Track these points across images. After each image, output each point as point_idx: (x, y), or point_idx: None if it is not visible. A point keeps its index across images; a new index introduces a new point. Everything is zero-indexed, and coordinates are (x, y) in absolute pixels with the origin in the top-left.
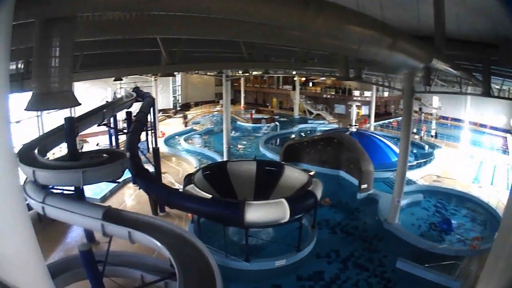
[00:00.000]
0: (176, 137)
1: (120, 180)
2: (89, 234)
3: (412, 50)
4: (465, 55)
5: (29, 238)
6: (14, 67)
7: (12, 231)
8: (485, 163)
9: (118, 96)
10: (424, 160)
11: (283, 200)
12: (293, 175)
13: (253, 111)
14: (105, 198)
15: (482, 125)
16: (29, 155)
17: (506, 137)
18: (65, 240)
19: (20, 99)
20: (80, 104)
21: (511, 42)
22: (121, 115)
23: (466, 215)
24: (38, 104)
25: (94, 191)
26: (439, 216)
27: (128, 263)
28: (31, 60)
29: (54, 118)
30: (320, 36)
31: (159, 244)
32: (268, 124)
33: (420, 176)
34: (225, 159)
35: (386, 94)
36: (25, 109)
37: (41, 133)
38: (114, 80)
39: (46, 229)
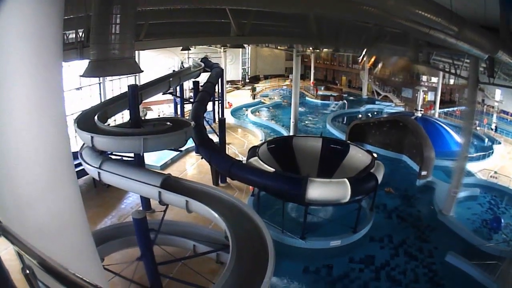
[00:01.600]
0: (244, 108)
1: (182, 148)
2: (145, 202)
3: (477, 40)
4: None
5: (75, 204)
6: (74, 35)
7: (59, 197)
8: None
9: (186, 65)
10: (484, 153)
11: (346, 180)
12: (357, 155)
13: (321, 87)
14: (165, 165)
15: None
16: (87, 121)
17: None
18: (119, 206)
19: (81, 67)
20: (142, 71)
21: None
22: (188, 84)
23: None
24: (95, 71)
25: (154, 158)
26: (491, 213)
27: (182, 232)
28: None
29: (119, 86)
30: (392, 15)
31: (216, 214)
32: (336, 102)
33: (478, 169)
34: (291, 133)
35: (451, 81)
36: (81, 76)
37: (102, 100)
38: (182, 50)
39: (100, 195)
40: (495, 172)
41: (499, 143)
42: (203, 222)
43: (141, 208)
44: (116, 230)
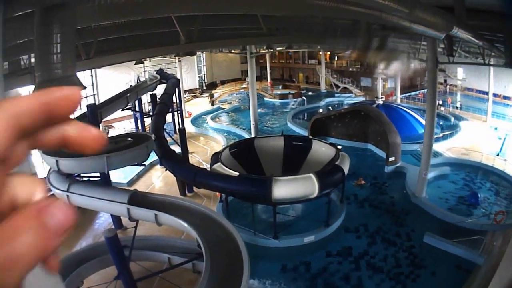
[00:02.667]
0: (203, 116)
1: (146, 163)
2: (116, 220)
3: (430, 19)
4: (486, 25)
5: None
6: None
7: None
8: (510, 136)
9: (142, 79)
10: (450, 132)
11: (312, 175)
12: (321, 149)
13: (278, 87)
14: (132, 181)
15: (505, 97)
16: None
17: None
18: (93, 227)
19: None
20: (85, 87)
21: None
22: (146, 98)
23: (490, 189)
24: None
25: (121, 175)
26: (467, 189)
27: (155, 246)
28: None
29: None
30: (342, 3)
31: (185, 225)
32: (295, 99)
33: (446, 148)
34: (253, 135)
35: (411, 66)
36: None
37: None
38: (136, 64)
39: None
40: (465, 149)
41: (466, 120)
42: (175, 234)
43: (113, 227)
44: (92, 251)
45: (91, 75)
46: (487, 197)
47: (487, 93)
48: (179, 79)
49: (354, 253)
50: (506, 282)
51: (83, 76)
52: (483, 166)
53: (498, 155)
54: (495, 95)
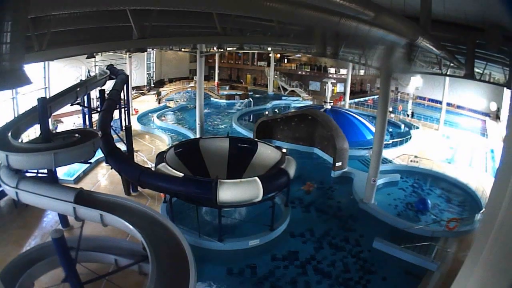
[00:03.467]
0: (150, 114)
1: (92, 160)
2: (63, 219)
3: (395, 25)
4: (449, 37)
5: None
6: None
7: None
8: (463, 145)
9: (92, 74)
10: (401, 139)
11: (257, 178)
12: (266, 152)
13: (226, 87)
14: (78, 179)
15: (459, 107)
16: (1, 139)
17: (485, 120)
18: (41, 225)
19: None
20: (31, 82)
21: (499, 27)
22: (95, 93)
23: (441, 196)
24: None
25: (67, 172)
26: (416, 196)
27: (102, 247)
28: None
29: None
30: (300, 6)
31: (131, 227)
32: (241, 101)
33: (396, 155)
34: (198, 136)
35: (362, 72)
36: None
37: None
38: (87, 58)
39: (22, 215)
40: (415, 156)
41: (417, 128)
42: (120, 234)
43: (60, 226)
44: (41, 251)
45: (44, 68)
46: (438, 204)
47: (439, 102)
48: (128, 76)
49: (300, 257)
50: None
51: (36, 68)
52: (434, 174)
53: (449, 162)
54: (448, 104)
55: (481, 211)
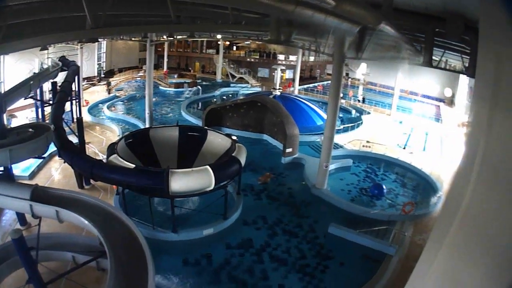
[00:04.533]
0: (100, 105)
1: (45, 154)
2: (20, 217)
3: (357, 12)
4: (409, 25)
5: None
6: None
7: None
8: (416, 130)
9: (45, 67)
10: (352, 124)
11: (208, 167)
12: (217, 140)
13: (174, 75)
14: (33, 174)
15: (412, 93)
16: None
17: (439, 106)
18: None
19: None
20: None
21: (460, 16)
22: (48, 86)
23: (396, 181)
24: None
25: (23, 168)
26: (370, 181)
27: (60, 245)
28: None
29: None
30: None
31: (86, 222)
32: (190, 88)
33: (348, 140)
34: (147, 125)
35: (312, 58)
36: None
37: None
38: (40, 50)
39: None
40: (367, 142)
41: (369, 113)
42: (76, 230)
43: (18, 224)
44: (2, 252)
45: None
46: (393, 189)
47: (392, 88)
48: (79, 67)
49: (255, 245)
50: (432, 269)
51: None
52: (387, 159)
53: (404, 148)
54: (401, 90)
55: (438, 195)
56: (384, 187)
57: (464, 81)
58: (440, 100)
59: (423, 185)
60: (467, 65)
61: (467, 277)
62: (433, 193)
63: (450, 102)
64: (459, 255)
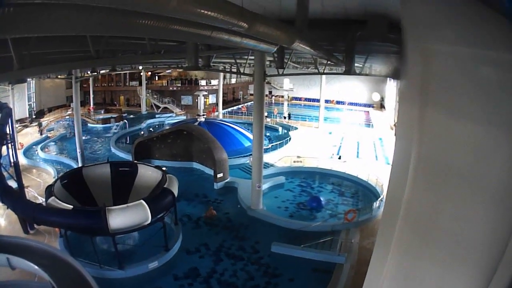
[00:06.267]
0: (34, 147)
1: None
2: None
3: (270, 33)
4: (328, 34)
5: None
6: None
7: None
8: (347, 138)
9: None
10: (280, 142)
11: (142, 201)
12: (147, 173)
13: (101, 111)
14: None
15: (339, 102)
16: None
17: (368, 111)
18: None
19: None
20: None
21: (381, 17)
22: None
23: (333, 191)
24: None
25: None
26: (306, 195)
27: None
28: None
29: None
30: (171, 23)
31: (36, 267)
32: (117, 123)
33: (278, 158)
34: (80, 164)
35: (233, 80)
36: None
37: None
38: None
39: None
40: (298, 157)
41: (296, 128)
42: (29, 276)
43: None
44: None
45: None
46: (331, 199)
47: (317, 100)
48: (11, 109)
49: (202, 273)
50: (385, 269)
51: None
52: (320, 171)
53: (340, 158)
54: (327, 101)
55: (380, 198)
56: (321, 198)
57: (392, 83)
58: (369, 105)
59: (362, 191)
60: (393, 67)
61: (420, 271)
62: (374, 198)
63: (380, 106)
64: (408, 252)
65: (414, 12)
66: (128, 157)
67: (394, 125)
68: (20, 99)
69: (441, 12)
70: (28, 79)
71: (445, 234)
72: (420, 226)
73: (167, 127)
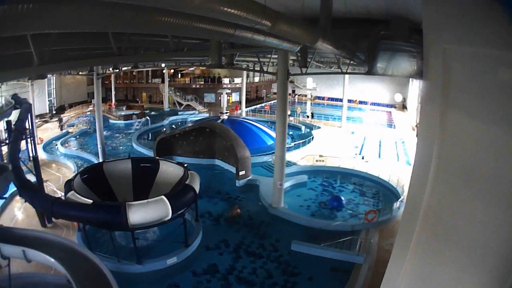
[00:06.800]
0: (54, 142)
1: (6, 195)
2: None
3: (293, 32)
4: (351, 32)
5: None
6: None
7: None
8: (369, 139)
9: None
10: (302, 140)
11: (163, 197)
12: (169, 169)
13: (123, 107)
14: None
15: (361, 102)
16: None
17: (390, 112)
18: None
19: None
20: None
21: (402, 18)
22: (3, 125)
23: (354, 191)
24: None
25: None
26: (327, 194)
27: (30, 284)
28: None
29: None
30: (195, 20)
31: (52, 260)
32: (139, 120)
33: (300, 157)
34: (100, 160)
35: (257, 79)
36: None
37: None
38: None
39: None
40: (320, 156)
41: (319, 127)
42: (45, 269)
43: None
44: None
45: None
46: (352, 199)
47: (340, 100)
48: (31, 104)
49: (220, 269)
50: (402, 271)
51: None
52: (342, 170)
53: (363, 158)
54: (349, 101)
55: (400, 199)
56: (342, 198)
57: (414, 84)
58: (391, 106)
59: (383, 191)
60: (415, 68)
61: (437, 273)
62: (394, 198)
63: (402, 106)
64: (427, 253)
65: (435, 14)
66: (150, 153)
67: (416, 126)
68: (40, 95)
69: (461, 15)
70: (49, 75)
71: (464, 238)
72: (439, 229)
73: (190, 124)
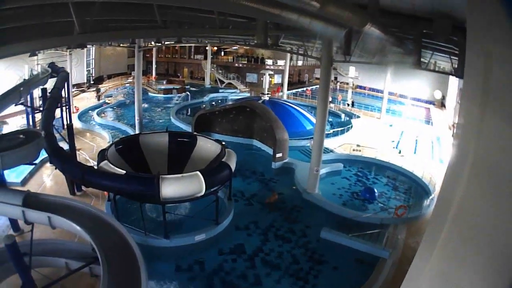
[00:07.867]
0: (90, 111)
1: (37, 161)
2: (13, 223)
3: (342, 14)
4: (396, 25)
5: None
6: None
7: None
8: (407, 133)
9: (35, 73)
10: (341, 128)
11: (198, 173)
12: (206, 146)
13: (163, 81)
14: (25, 180)
15: (401, 96)
16: None
17: (429, 108)
18: None
19: None
20: None
21: (448, 17)
22: (38, 92)
23: (387, 184)
24: None
25: (15, 174)
26: (361, 185)
27: (53, 251)
28: None
29: None
30: None
31: (78, 228)
32: (179, 94)
33: (337, 145)
34: (137, 131)
35: (300, 63)
36: None
37: None
38: (30, 56)
39: None
40: (358, 145)
41: (358, 117)
42: (68, 237)
43: (11, 230)
44: None
45: None
46: (384, 192)
47: (381, 91)
48: (68, 73)
49: (247, 250)
50: (425, 271)
51: None
52: (378, 162)
53: (400, 152)
54: (390, 93)
55: (431, 197)
56: (375, 190)
57: (454, 82)
58: (430, 102)
59: (415, 188)
60: (456, 66)
61: (461, 278)
62: (425, 196)
63: (441, 104)
64: (452, 256)
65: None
66: (187, 128)
67: (453, 125)
68: (79, 65)
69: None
70: (89, 46)
71: (492, 244)
72: (467, 232)
73: (230, 103)
